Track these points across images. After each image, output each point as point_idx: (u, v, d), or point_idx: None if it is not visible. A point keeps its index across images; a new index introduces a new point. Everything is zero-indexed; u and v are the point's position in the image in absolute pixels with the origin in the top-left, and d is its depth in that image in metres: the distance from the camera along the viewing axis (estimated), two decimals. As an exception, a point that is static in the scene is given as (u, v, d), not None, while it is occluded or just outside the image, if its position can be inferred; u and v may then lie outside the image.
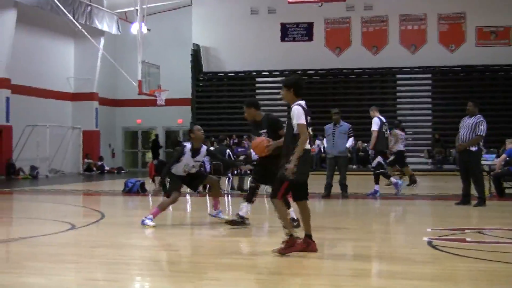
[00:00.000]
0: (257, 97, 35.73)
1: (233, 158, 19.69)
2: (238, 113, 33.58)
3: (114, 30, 34.95)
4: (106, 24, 34.00)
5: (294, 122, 8.10)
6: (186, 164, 11.12)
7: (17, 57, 29.63)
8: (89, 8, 32.03)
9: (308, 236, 8.28)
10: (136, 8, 28.96)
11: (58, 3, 28.00)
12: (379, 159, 17.11)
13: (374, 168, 17.29)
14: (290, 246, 8.08)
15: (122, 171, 35.86)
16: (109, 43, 36.18)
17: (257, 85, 38.57)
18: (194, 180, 11.53)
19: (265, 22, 38.49)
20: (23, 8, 28.91)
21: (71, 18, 29.19)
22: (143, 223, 10.81)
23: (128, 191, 18.93)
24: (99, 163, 35.51)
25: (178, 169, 11.14)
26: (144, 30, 29.05)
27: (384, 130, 17.06)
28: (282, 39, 38.57)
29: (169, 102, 30.19)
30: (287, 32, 38.70)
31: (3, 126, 28.87)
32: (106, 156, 37.37)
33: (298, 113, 8.10)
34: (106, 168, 35.61)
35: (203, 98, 38.45)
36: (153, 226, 10.69)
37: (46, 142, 31.42)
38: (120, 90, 38.60)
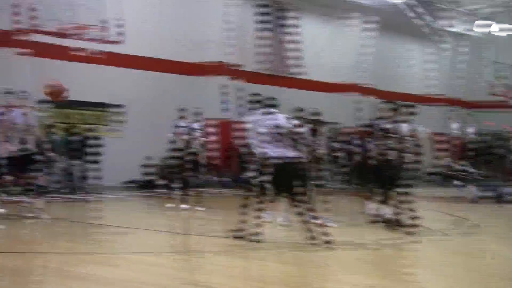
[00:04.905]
0: None
1: None
2: None
3: (467, 31, 34.17)
4: (459, 25, 33.43)
5: None
6: None
7: (379, 62, 30.50)
8: (444, 10, 31.75)
9: None
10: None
11: (419, 7, 28.18)
12: None
13: None
14: None
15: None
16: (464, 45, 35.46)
17: None
18: None
19: None
20: (384, 14, 29.66)
21: (427, 21, 29.21)
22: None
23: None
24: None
25: None
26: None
27: None
28: None
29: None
30: None
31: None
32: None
33: None
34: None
35: None
36: None
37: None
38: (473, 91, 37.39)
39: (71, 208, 15.86)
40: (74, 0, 17.91)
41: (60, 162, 19.40)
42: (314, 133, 11.45)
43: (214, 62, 24.16)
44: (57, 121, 20.63)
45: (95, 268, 7.39)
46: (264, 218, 10.18)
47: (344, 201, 15.52)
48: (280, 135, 9.18)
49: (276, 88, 26.46)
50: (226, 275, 7.36)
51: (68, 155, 19.73)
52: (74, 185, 19.64)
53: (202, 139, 14.01)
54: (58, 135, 19.86)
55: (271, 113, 9.40)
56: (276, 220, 11.04)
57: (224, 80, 24.45)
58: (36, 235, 10.67)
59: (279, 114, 9.45)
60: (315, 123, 11.61)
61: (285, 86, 26.88)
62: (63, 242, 9.70)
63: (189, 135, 13.90)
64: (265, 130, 9.17)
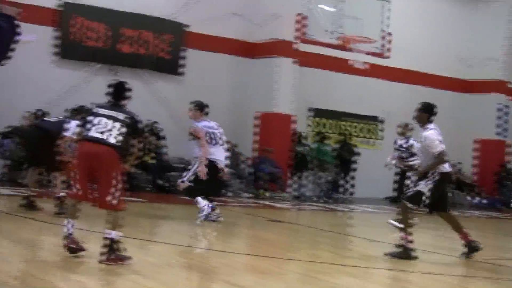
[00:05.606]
0: None
1: None
2: None
3: None
4: None
5: None
6: None
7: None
8: None
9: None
10: None
11: None
12: None
13: None
14: None
15: None
16: None
17: None
18: None
19: None
20: None
21: None
22: None
23: None
24: None
25: None
26: None
27: None
28: None
29: None
30: None
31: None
32: None
33: None
34: None
35: None
36: None
37: None
38: None
39: (323, 216, 16.06)
40: (347, 13, 18.19)
41: (327, 173, 19.82)
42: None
43: (493, 80, 23.11)
44: (328, 132, 21.09)
45: (344, 279, 7.14)
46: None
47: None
48: None
49: None
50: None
51: (335, 166, 20.04)
52: (336, 196, 19.93)
53: (406, 162, 11.90)
54: (328, 145, 20.23)
55: None
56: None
57: (502, 99, 23.29)
58: (284, 241, 10.80)
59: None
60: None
61: None
62: (310, 250, 9.71)
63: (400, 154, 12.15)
64: None
